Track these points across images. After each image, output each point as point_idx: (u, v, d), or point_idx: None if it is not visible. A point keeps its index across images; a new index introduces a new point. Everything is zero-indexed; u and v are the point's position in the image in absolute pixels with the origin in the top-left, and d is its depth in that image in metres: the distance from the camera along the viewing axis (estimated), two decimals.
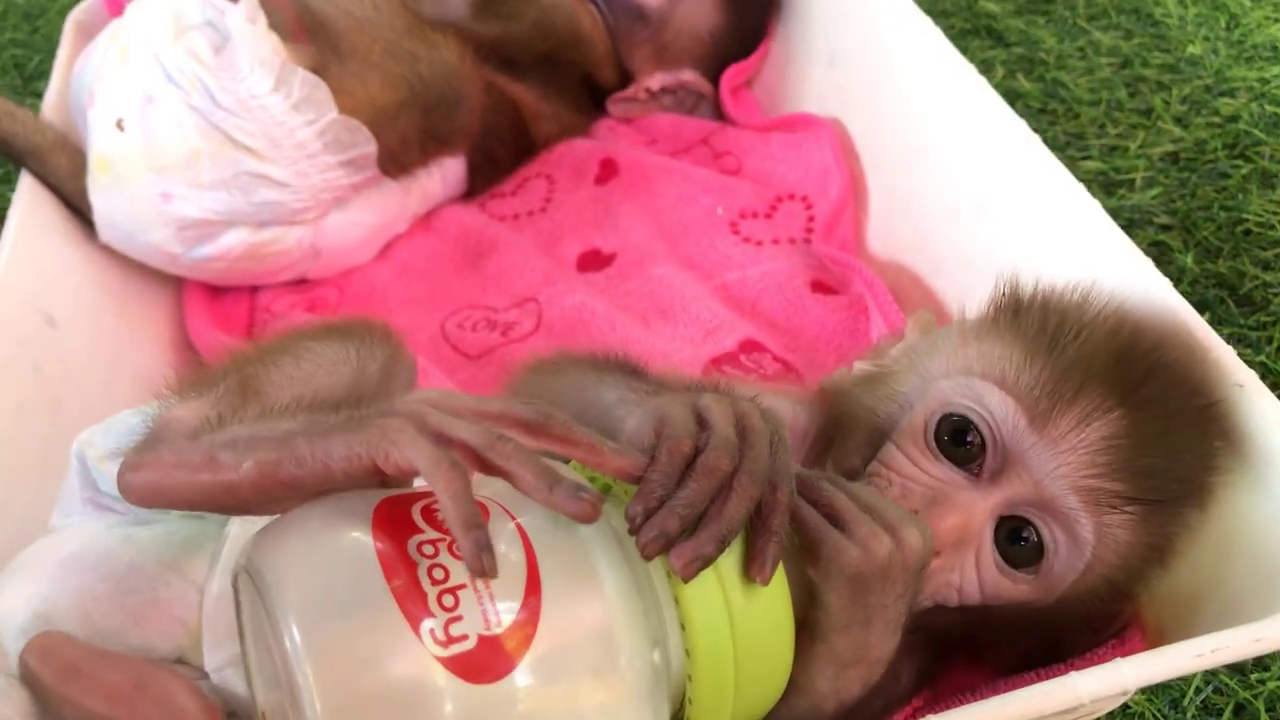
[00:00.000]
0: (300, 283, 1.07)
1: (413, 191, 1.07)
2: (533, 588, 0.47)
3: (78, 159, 0.98)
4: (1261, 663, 0.73)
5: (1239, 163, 1.07)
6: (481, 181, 1.13)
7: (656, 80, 1.18)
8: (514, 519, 0.49)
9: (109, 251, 1.01)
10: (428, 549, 0.47)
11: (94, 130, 0.96)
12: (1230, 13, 1.24)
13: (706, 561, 0.47)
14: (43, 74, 1.53)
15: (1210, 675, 0.73)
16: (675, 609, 0.48)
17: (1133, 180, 1.07)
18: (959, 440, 0.60)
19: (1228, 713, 0.71)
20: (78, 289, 0.96)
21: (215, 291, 1.06)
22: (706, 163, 1.14)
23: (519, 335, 0.99)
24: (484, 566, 0.44)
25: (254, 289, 1.07)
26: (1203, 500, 0.62)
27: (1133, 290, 0.68)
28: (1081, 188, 0.76)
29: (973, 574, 0.60)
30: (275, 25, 0.97)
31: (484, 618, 0.45)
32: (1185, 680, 0.73)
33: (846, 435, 0.65)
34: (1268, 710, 0.71)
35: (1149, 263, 0.70)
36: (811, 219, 1.06)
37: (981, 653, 0.67)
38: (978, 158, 0.88)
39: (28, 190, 0.96)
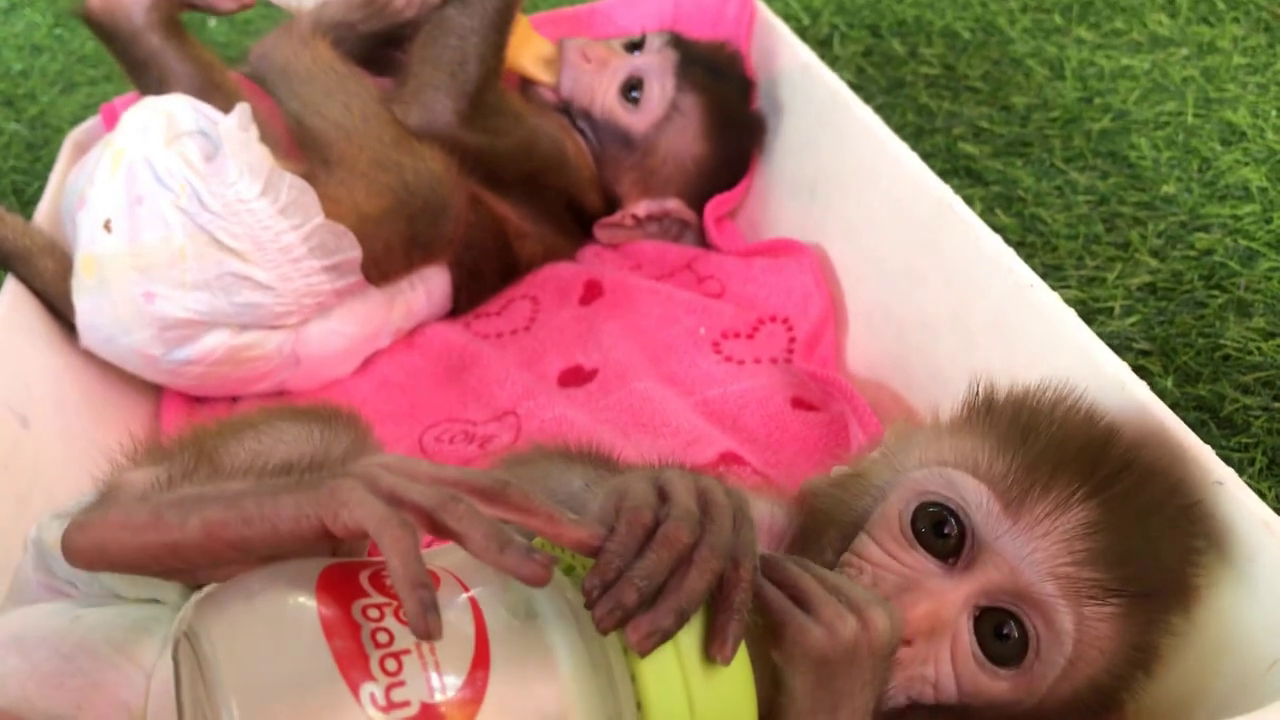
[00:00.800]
0: (279, 394, 1.07)
1: (396, 305, 1.08)
2: (481, 659, 0.45)
3: (64, 263, 0.99)
4: None
5: (1215, 293, 1.08)
6: (466, 299, 1.13)
7: (642, 208, 1.20)
8: (467, 590, 0.48)
9: (90, 357, 1.00)
10: (373, 613, 0.45)
11: (82, 232, 0.97)
12: (1202, 156, 1.27)
13: (665, 635, 0.45)
14: (40, 198, 1.56)
15: None
16: (632, 687, 0.46)
17: (1111, 308, 1.08)
18: (937, 531, 0.59)
19: None
20: (56, 392, 0.95)
21: (193, 402, 1.05)
22: (690, 286, 1.15)
23: (497, 448, 0.98)
24: (428, 627, 0.42)
25: (232, 400, 1.06)
26: (1186, 601, 0.61)
27: (1111, 395, 0.68)
28: (1057, 296, 0.77)
29: (948, 668, 0.58)
30: (266, 140, 0.99)
31: (428, 685, 0.44)
32: None
33: (821, 532, 0.64)
34: None
35: (1125, 367, 0.70)
36: (792, 340, 1.06)
37: None
38: (953, 274, 0.89)
39: (11, 293, 0.96)
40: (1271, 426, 0.94)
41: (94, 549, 0.48)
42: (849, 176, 1.06)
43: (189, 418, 1.03)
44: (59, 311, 1.00)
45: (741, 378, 1.02)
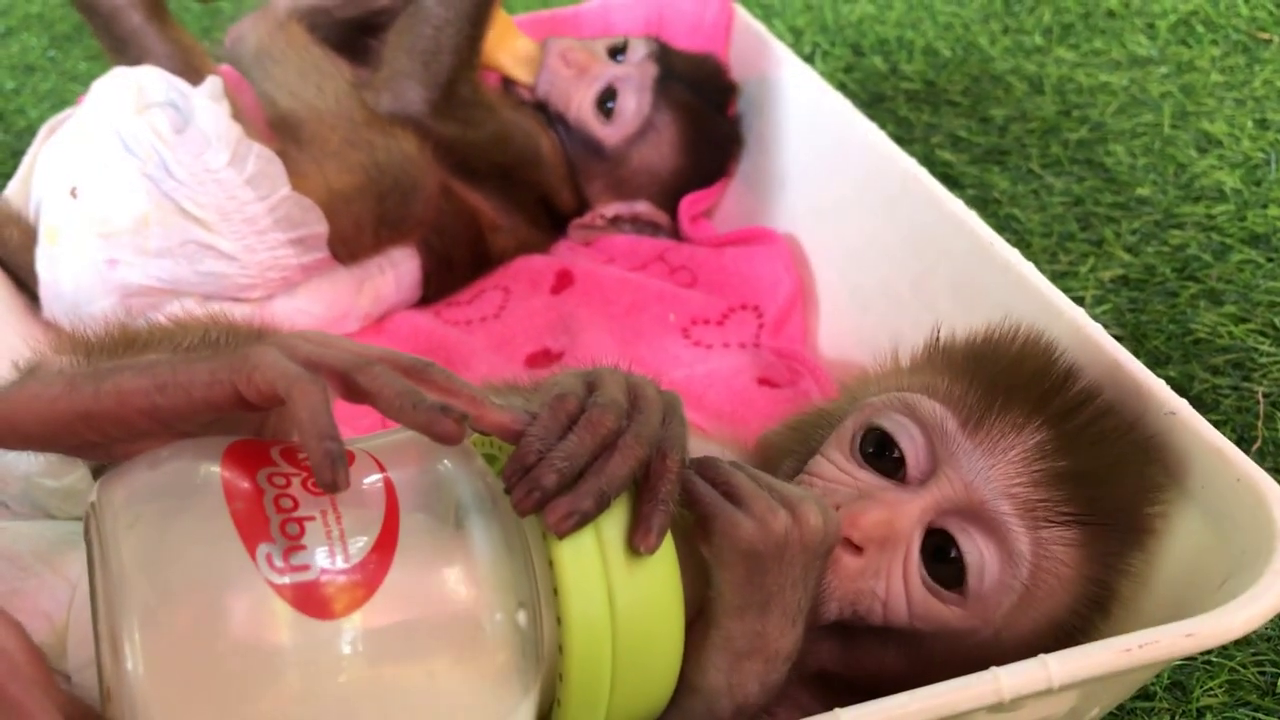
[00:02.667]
0: None
1: (365, 288, 1.07)
2: (389, 530, 0.44)
3: (29, 234, 0.99)
4: None
5: (1187, 283, 1.07)
6: (437, 288, 1.13)
7: (611, 209, 1.20)
8: (382, 469, 0.46)
9: (53, 330, 0.99)
10: (279, 480, 0.44)
11: (47, 200, 0.96)
12: (1179, 162, 1.28)
13: (584, 518, 0.44)
14: None
15: None
16: (550, 573, 0.45)
17: (1083, 298, 1.08)
18: (882, 451, 0.58)
19: None
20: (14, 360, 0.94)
21: None
22: (662, 276, 1.15)
23: None
24: (334, 478, 0.41)
25: None
26: (1143, 540, 0.60)
27: (1069, 340, 0.68)
28: (1016, 253, 0.77)
29: (899, 586, 0.56)
30: (240, 119, 1.00)
31: (331, 552, 0.42)
32: None
33: (777, 468, 0.63)
34: None
35: (1081, 312, 0.70)
36: (761, 326, 1.06)
37: None
38: (918, 242, 0.89)
39: None
40: (1241, 405, 0.93)
41: (5, 421, 0.47)
42: (820, 163, 1.07)
43: None
44: (22, 283, 0.99)
45: (709, 359, 1.01)
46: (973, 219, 0.82)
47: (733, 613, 0.48)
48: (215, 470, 0.44)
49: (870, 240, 0.95)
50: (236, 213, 0.95)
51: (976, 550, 0.56)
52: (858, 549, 0.55)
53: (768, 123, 1.18)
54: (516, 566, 0.45)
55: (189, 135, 0.96)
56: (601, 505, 0.44)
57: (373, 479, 0.45)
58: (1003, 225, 1.22)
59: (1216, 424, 0.91)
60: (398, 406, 0.43)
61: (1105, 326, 1.03)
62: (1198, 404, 0.94)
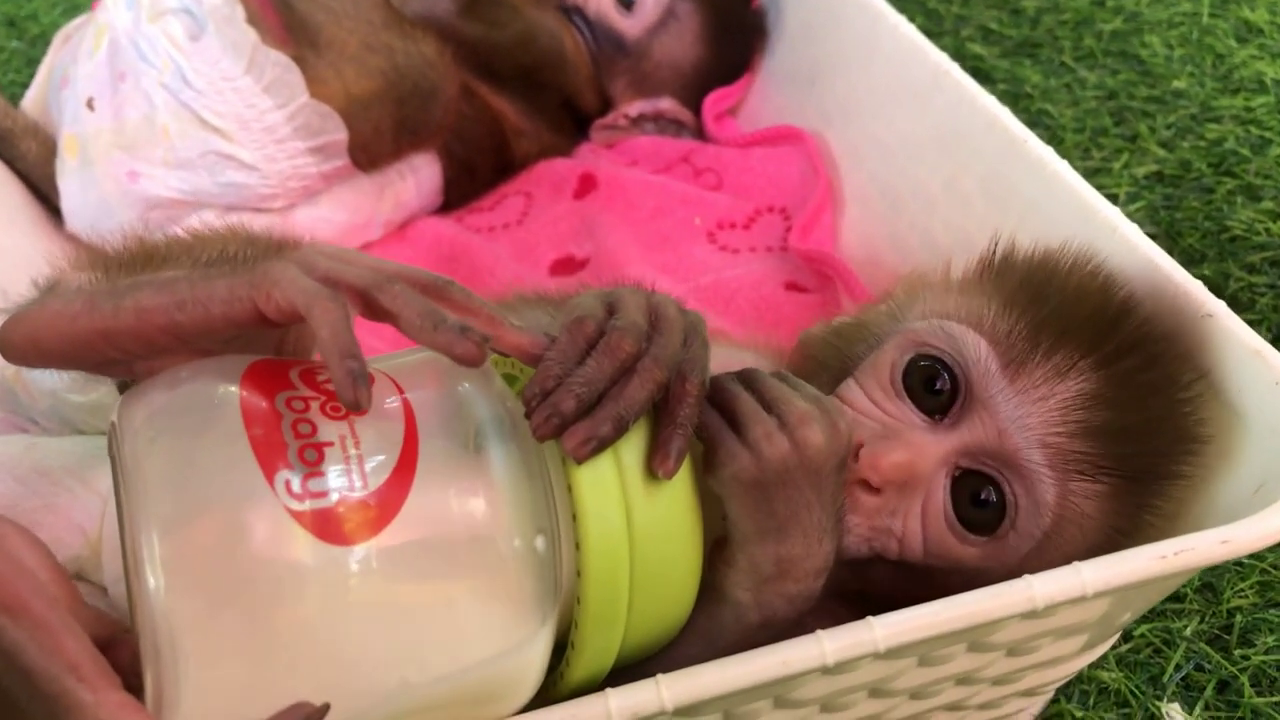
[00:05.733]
0: None
1: (386, 195, 1.06)
2: (408, 455, 0.43)
3: (48, 146, 0.98)
4: (1247, 639, 0.68)
5: (1224, 179, 1.05)
6: (458, 194, 1.12)
7: (634, 108, 1.18)
8: (401, 391, 0.46)
9: (76, 244, 0.99)
10: (297, 404, 0.44)
11: (65, 111, 0.96)
12: (1216, 52, 1.24)
13: (602, 443, 0.43)
14: None
15: (1192, 651, 0.68)
16: (569, 498, 0.45)
17: (1117, 195, 1.06)
18: (928, 385, 0.56)
19: (1210, 689, 0.66)
20: (37, 271, 0.94)
21: None
22: (687, 179, 1.13)
23: None
24: (356, 396, 0.40)
25: None
26: (1172, 489, 0.58)
27: (1103, 240, 0.66)
28: (1049, 150, 0.75)
29: (916, 525, 0.55)
30: (254, 24, 0.98)
31: (349, 478, 0.42)
32: (1165, 658, 0.68)
33: (810, 380, 0.61)
34: (1253, 685, 0.66)
35: (1117, 211, 0.68)
36: (789, 230, 1.04)
37: None
38: (948, 140, 0.86)
39: None
40: (1278, 304, 0.92)
41: (28, 340, 0.47)
42: (848, 59, 1.04)
43: None
44: (43, 195, 0.99)
45: (736, 265, 1.00)
46: (1005, 115, 0.80)
47: (751, 539, 0.48)
48: (234, 393, 0.43)
49: (901, 138, 0.93)
50: (255, 121, 0.94)
51: (1013, 496, 0.54)
52: (876, 489, 0.54)
53: (793, 16, 1.15)
54: (535, 492, 0.45)
55: (204, 43, 0.94)
56: (620, 430, 0.44)
57: (391, 401, 0.45)
58: (1035, 121, 1.19)
59: (1252, 324, 0.89)
60: (418, 326, 0.42)
61: (1139, 225, 1.01)
62: (1233, 303, 0.92)
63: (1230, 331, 0.58)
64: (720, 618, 0.49)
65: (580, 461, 0.44)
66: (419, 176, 1.07)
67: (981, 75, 1.29)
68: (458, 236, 1.08)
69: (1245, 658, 0.67)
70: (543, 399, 0.44)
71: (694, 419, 0.46)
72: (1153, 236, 0.99)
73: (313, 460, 0.42)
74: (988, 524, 0.55)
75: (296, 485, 0.41)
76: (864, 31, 1.01)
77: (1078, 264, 0.61)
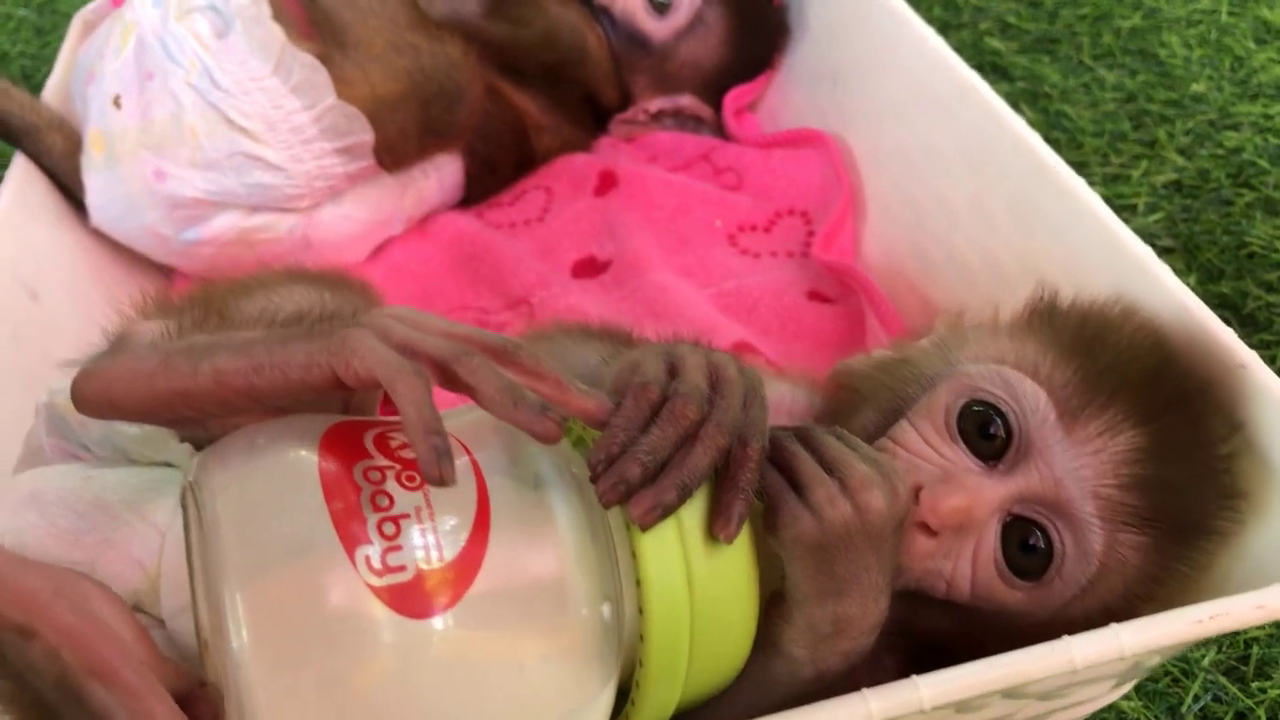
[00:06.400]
0: None
1: (408, 192, 1.06)
2: (481, 525, 0.45)
3: (73, 140, 0.98)
4: (1264, 671, 0.70)
5: (1243, 191, 1.06)
6: (479, 190, 1.12)
7: (655, 104, 1.18)
8: (469, 454, 0.47)
9: (100, 237, 1.00)
10: (374, 475, 0.45)
11: (91, 107, 0.95)
12: (1235, 54, 1.24)
13: (666, 510, 0.44)
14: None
15: (1210, 682, 0.70)
16: (633, 563, 0.46)
17: (1135, 205, 1.07)
18: (983, 431, 0.57)
19: None
20: (65, 271, 0.95)
21: None
22: (707, 178, 1.14)
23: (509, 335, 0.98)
24: (441, 473, 0.41)
25: None
26: (1212, 543, 0.59)
27: (1133, 279, 0.67)
28: (1080, 180, 0.75)
29: (966, 568, 0.56)
30: (280, 19, 0.97)
31: (425, 550, 0.43)
32: (1183, 688, 0.70)
33: (855, 415, 0.62)
34: (1269, 719, 0.68)
35: (1148, 250, 0.69)
36: (810, 234, 1.05)
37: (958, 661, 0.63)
38: (975, 157, 0.87)
39: (20, 170, 0.95)
40: None
41: (102, 396, 0.47)
42: (871, 63, 1.04)
43: None
44: (68, 189, 0.99)
45: (758, 270, 1.01)
46: (1034, 139, 0.80)
47: (810, 600, 0.49)
48: (313, 462, 0.44)
49: (925, 148, 0.93)
50: (283, 122, 0.94)
51: (1061, 544, 0.56)
52: (933, 532, 0.55)
53: (816, 16, 1.15)
54: (600, 555, 0.46)
55: (231, 41, 0.94)
56: (684, 497, 0.45)
57: (463, 466, 0.46)
58: (1053, 123, 1.20)
59: (1270, 344, 0.91)
60: (498, 402, 0.43)
61: (1157, 237, 1.03)
62: (1250, 322, 0.94)
63: (1264, 385, 0.59)
64: (774, 671, 0.51)
65: (645, 529, 0.45)
66: (441, 173, 1.08)
67: (1000, 72, 1.30)
68: (480, 233, 1.08)
69: (1262, 690, 0.69)
70: (608, 465, 0.45)
71: (755, 483, 0.47)
72: (1170, 250, 1.01)
73: (391, 534, 0.43)
74: (1035, 570, 0.56)
75: (376, 561, 0.42)
76: (889, 36, 1.01)
77: (1129, 318, 0.62)
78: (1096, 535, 0.55)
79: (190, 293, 0.56)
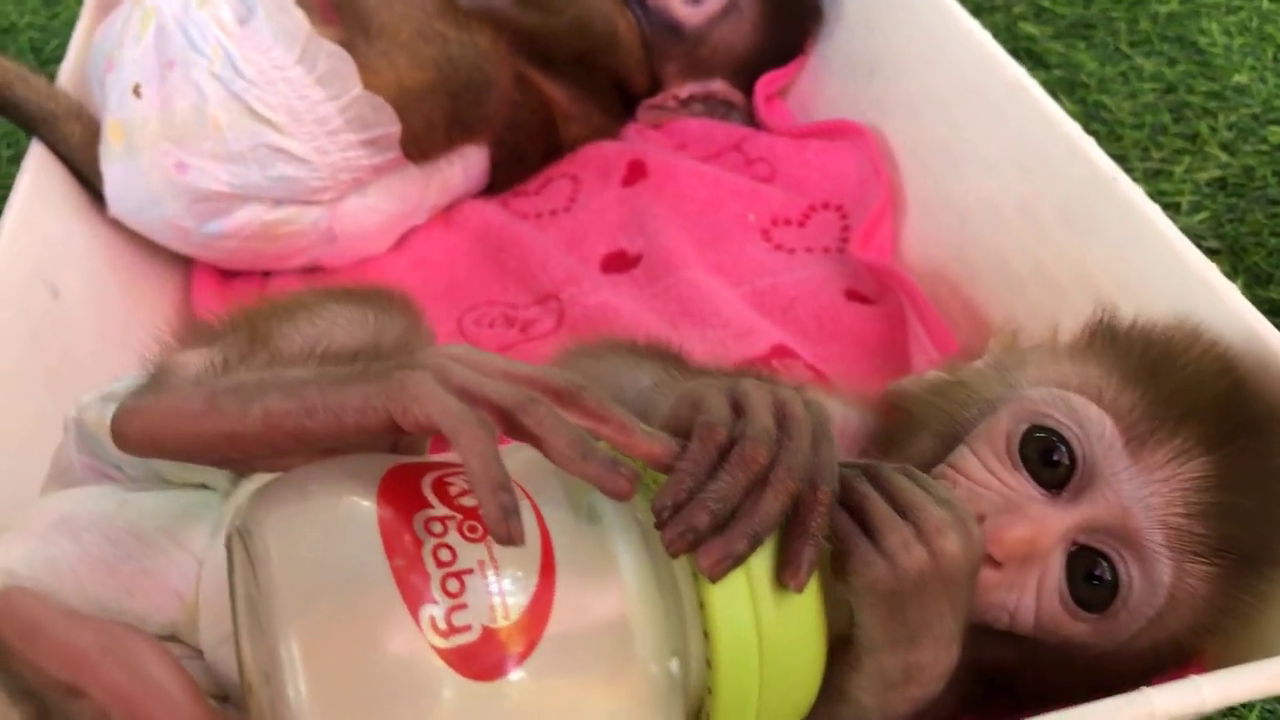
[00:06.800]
0: (313, 270, 1.04)
1: (433, 181, 1.04)
2: (546, 578, 0.43)
3: (91, 128, 0.95)
4: None
5: None
6: (505, 177, 1.09)
7: (685, 89, 1.15)
8: (530, 499, 0.45)
9: (118, 227, 0.97)
10: (435, 526, 0.43)
11: (110, 96, 0.93)
12: (1277, 43, 1.21)
13: (737, 561, 0.43)
14: (59, 58, 1.50)
15: (1267, 710, 0.68)
16: (699, 614, 0.44)
17: (1179, 204, 1.04)
18: (1046, 458, 0.55)
19: None
20: (84, 264, 0.92)
21: (225, 276, 1.02)
22: (738, 168, 1.11)
23: (539, 333, 0.95)
24: (510, 533, 0.40)
25: (265, 275, 1.03)
26: (1276, 572, 0.58)
27: (1196, 298, 0.65)
28: (1139, 190, 0.73)
29: (1031, 600, 0.54)
30: (303, 3, 0.94)
31: (490, 607, 0.41)
32: (1239, 716, 0.69)
33: (911, 439, 0.60)
34: None
35: (1214, 269, 0.67)
36: (846, 228, 1.02)
37: (1021, 695, 0.62)
38: (1025, 160, 0.84)
39: (37, 159, 0.92)
40: None
41: (145, 436, 0.46)
42: (911, 55, 1.01)
43: (220, 293, 1.00)
44: (86, 179, 0.96)
45: (793, 267, 0.99)
46: (1090, 145, 0.78)
47: (881, 647, 0.47)
48: (371, 512, 0.42)
49: (970, 147, 0.91)
50: (307, 113, 0.91)
51: (1127, 574, 0.54)
52: (997, 563, 0.54)
53: (851, 2, 1.12)
54: (667, 606, 0.44)
55: (254, 28, 0.91)
56: (754, 546, 0.43)
57: (525, 511, 0.44)
58: (1091, 114, 1.17)
59: None
60: (568, 457, 0.41)
61: (1202, 238, 1.01)
62: None
63: None
64: (840, 717, 0.49)
65: (715, 580, 0.43)
66: (467, 162, 1.05)
67: (1035, 59, 1.27)
68: (506, 224, 1.06)
69: None
70: (674, 511, 0.43)
71: (825, 528, 0.45)
72: (1216, 252, 0.99)
73: (455, 591, 0.41)
74: (1101, 602, 0.54)
75: (441, 621, 0.40)
76: (930, 27, 0.98)
77: (1196, 340, 0.60)
78: (1165, 565, 0.53)
79: (230, 317, 0.54)
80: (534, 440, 0.42)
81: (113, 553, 0.55)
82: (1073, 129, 0.80)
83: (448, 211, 1.08)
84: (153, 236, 0.97)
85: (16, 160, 1.29)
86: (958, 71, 0.93)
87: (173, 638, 0.56)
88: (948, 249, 0.93)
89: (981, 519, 0.53)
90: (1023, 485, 0.55)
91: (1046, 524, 0.54)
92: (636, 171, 1.10)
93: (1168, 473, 0.53)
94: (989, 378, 0.61)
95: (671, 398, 0.52)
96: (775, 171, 1.10)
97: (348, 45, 0.94)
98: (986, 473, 0.56)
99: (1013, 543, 0.53)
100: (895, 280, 0.90)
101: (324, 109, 0.92)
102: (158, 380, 0.47)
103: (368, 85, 0.93)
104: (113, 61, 0.93)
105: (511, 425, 0.43)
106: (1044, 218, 0.81)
